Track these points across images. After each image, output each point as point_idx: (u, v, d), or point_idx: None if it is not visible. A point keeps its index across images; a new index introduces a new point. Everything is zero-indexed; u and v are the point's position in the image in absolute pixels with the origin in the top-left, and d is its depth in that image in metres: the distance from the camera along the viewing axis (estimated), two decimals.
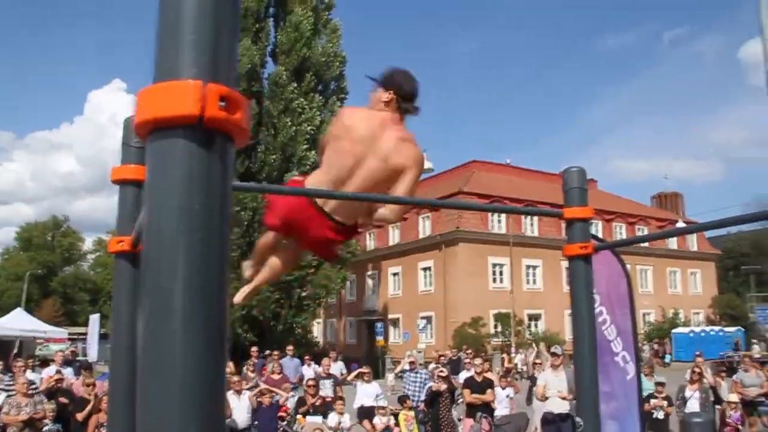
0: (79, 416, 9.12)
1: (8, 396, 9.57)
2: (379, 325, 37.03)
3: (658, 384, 11.62)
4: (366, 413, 11.67)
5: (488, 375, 11.59)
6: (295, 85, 28.75)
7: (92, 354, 27.37)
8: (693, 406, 10.93)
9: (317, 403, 11.04)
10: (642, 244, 45.29)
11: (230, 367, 13.92)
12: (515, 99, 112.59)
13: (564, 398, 9.45)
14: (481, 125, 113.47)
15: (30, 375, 11.04)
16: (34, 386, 10.02)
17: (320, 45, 29.91)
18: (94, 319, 29.89)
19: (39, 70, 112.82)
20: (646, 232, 46.64)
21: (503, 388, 11.25)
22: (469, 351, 19.66)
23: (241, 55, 28.17)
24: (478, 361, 11.30)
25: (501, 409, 10.79)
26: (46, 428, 9.29)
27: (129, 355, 2.25)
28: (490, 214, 39.35)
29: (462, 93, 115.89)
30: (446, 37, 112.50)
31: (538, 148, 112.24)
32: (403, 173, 3.02)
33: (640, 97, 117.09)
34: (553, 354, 10.57)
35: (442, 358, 14.95)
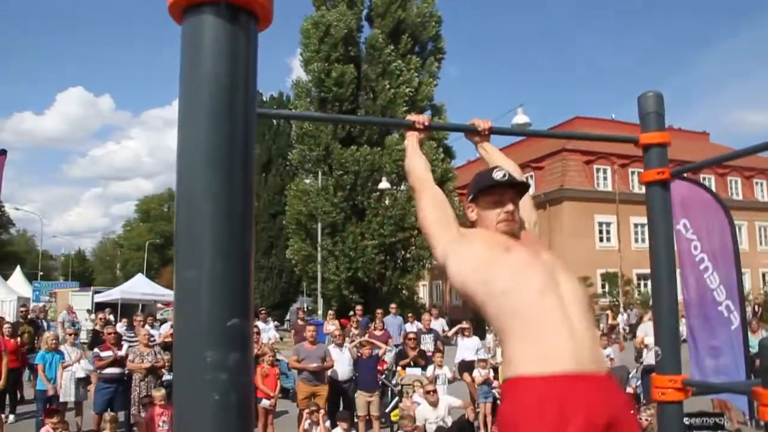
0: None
1: (131, 346, 10.28)
2: None
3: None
4: (467, 367, 11.80)
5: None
6: (392, 47, 28.71)
7: None
8: None
9: (417, 357, 11.23)
10: (760, 199, 43.00)
11: (335, 325, 14.34)
12: (620, 50, 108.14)
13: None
14: (585, 80, 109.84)
15: (150, 330, 11.78)
16: (152, 339, 10.74)
17: (415, 6, 29.68)
18: None
19: (150, 50, 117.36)
20: (764, 186, 44.21)
21: (604, 347, 11.09)
22: None
23: (337, 20, 28.38)
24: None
25: None
26: (165, 377, 9.92)
27: None
28: (594, 171, 38.30)
29: (563, 48, 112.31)
30: None
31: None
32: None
33: (758, 45, 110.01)
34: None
35: None
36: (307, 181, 30.47)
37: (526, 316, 2.12)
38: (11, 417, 11.32)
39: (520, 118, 15.48)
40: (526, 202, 2.72)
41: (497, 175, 2.49)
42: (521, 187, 2.57)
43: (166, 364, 9.85)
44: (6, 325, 12.01)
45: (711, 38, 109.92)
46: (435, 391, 9.33)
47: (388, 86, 28.20)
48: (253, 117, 1.06)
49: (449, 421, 9.05)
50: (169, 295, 33.17)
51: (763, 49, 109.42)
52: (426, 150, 28.54)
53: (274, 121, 46.28)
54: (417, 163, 2.82)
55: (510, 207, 2.45)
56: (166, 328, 13.32)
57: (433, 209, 2.56)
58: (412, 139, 2.96)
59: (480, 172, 2.64)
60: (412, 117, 2.91)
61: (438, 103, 30.35)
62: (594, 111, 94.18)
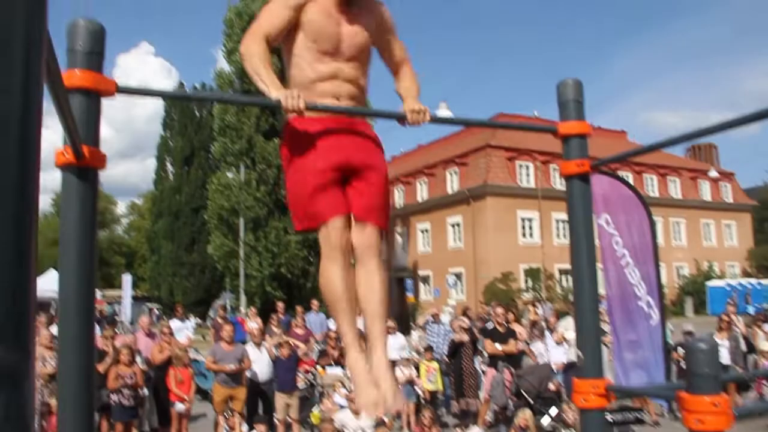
0: (99, 367, 9.16)
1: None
2: (409, 281, 37.00)
3: (686, 333, 11.38)
4: (394, 365, 11.62)
5: (513, 326, 11.43)
6: None
7: (126, 314, 27.84)
8: (722, 355, 10.69)
9: (339, 355, 10.98)
10: (674, 196, 44.56)
11: (258, 323, 13.95)
12: (541, 49, 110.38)
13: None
14: (508, 78, 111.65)
15: (54, 329, 11.13)
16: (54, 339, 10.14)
17: None
18: (127, 280, 30.34)
19: None
20: (678, 184, 45.76)
21: (527, 343, 11.11)
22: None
23: (261, 9, 27.79)
24: (499, 310, 11.13)
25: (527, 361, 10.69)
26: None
27: (78, 280, 2.09)
28: (517, 167, 38.81)
29: (486, 45, 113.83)
30: None
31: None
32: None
33: (670, 47, 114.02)
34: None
35: (468, 311, 14.79)
36: (230, 175, 29.81)
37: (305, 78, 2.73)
38: None
39: (443, 113, 15.41)
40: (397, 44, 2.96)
41: None
42: None
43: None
44: None
45: (627, 36, 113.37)
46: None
47: None
48: (39, 75, 0.78)
49: None
50: None
51: (676, 48, 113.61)
52: None
53: (197, 112, 45.29)
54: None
55: None
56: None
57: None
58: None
59: None
60: (283, 96, 2.44)
61: None
62: (517, 108, 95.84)
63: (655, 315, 3.55)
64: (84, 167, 2.01)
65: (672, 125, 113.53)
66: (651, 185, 43.79)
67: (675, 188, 45.68)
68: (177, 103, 46.33)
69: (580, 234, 3.01)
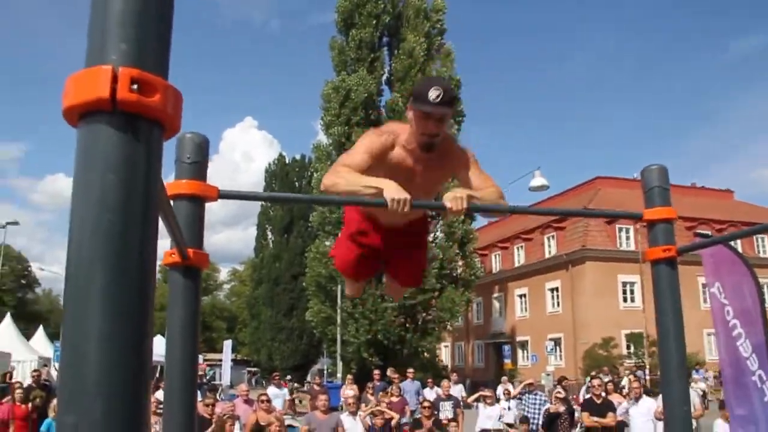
0: None
1: None
2: (506, 347, 36.37)
3: None
4: None
5: (612, 397, 11.11)
6: None
7: (225, 377, 28.52)
8: None
9: (432, 426, 10.92)
10: None
11: (354, 390, 14.06)
12: (641, 110, 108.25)
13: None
14: (607, 139, 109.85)
15: (159, 395, 11.56)
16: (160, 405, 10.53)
17: (435, 69, 30.04)
18: (227, 344, 31.17)
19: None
20: None
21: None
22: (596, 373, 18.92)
23: (357, 85, 28.75)
24: (596, 381, 10.85)
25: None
26: None
27: (182, 366, 2.29)
28: (617, 230, 37.94)
29: (583, 106, 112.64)
30: (561, 51, 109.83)
31: (668, 159, 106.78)
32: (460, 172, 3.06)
33: None
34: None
35: (565, 381, 14.45)
36: (327, 243, 30.43)
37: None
38: None
39: (538, 181, 15.40)
40: (475, 175, 3.03)
41: (431, 95, 2.74)
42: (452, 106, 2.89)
43: None
44: (18, 390, 11.85)
45: (733, 94, 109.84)
46: None
47: None
48: (154, 225, 0.97)
49: None
50: None
51: None
52: None
53: (296, 182, 46.77)
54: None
55: (432, 129, 2.83)
56: None
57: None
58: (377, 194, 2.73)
59: (421, 81, 3.24)
60: (390, 196, 2.53)
61: None
62: (616, 170, 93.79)
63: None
64: (188, 267, 2.22)
65: None
66: (762, 246, 41.72)
67: None
68: (278, 173, 48.06)
69: (668, 320, 3.01)
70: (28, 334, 34.88)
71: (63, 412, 0.88)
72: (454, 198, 2.70)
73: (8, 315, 29.62)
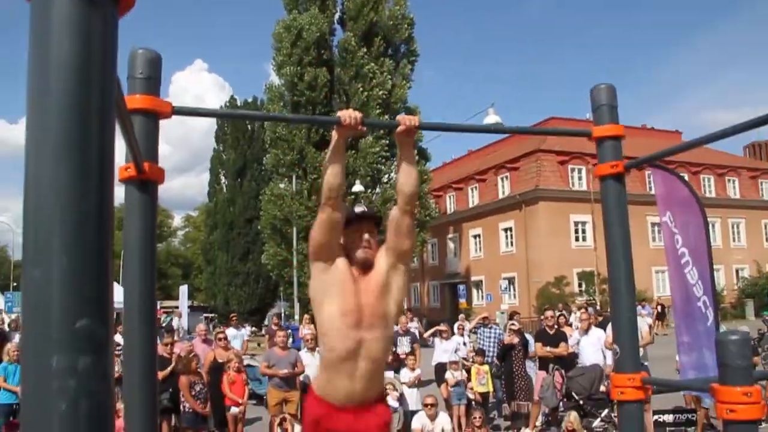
0: (159, 374, 9.48)
1: None
2: (461, 287, 37.00)
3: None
4: (444, 370, 11.72)
5: (564, 329, 11.44)
6: (365, 50, 28.64)
7: (183, 323, 28.46)
8: None
9: (391, 360, 11.13)
10: (733, 196, 43.45)
11: (311, 329, 14.20)
12: (593, 50, 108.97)
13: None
14: (561, 81, 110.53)
15: (118, 338, 11.53)
16: (119, 347, 10.51)
17: (387, 8, 29.64)
18: (183, 290, 31.07)
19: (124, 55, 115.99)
20: (737, 184, 44.68)
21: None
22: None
23: (309, 24, 28.26)
24: (549, 313, 11.16)
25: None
26: None
27: (141, 286, 2.28)
28: (569, 171, 38.49)
29: (535, 49, 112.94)
30: None
31: (620, 101, 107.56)
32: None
33: (727, 45, 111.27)
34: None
35: (517, 315, 14.78)
36: (282, 185, 30.28)
37: (332, 354, 3.04)
38: None
39: (491, 118, 15.45)
40: (402, 227, 3.20)
41: (357, 209, 3.19)
42: (377, 219, 3.31)
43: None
44: None
45: (682, 36, 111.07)
46: (435, 405, 9.26)
47: (361, 89, 28.14)
48: (110, 105, 0.96)
49: None
50: None
51: (733, 46, 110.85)
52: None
53: (249, 126, 46.10)
54: (331, 169, 2.97)
55: (366, 236, 3.16)
56: None
57: (319, 231, 3.04)
58: (336, 137, 2.95)
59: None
60: (342, 113, 2.81)
61: (412, 106, 30.26)
62: (570, 112, 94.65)
63: (711, 315, 3.57)
64: (145, 181, 2.22)
65: (729, 122, 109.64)
66: (708, 186, 42.84)
67: (734, 188, 44.60)
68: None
69: (616, 235, 3.11)
70: None
71: (29, 265, 0.89)
72: (405, 116, 2.92)
73: None
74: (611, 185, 3.11)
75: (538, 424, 10.75)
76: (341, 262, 3.08)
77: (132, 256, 2.25)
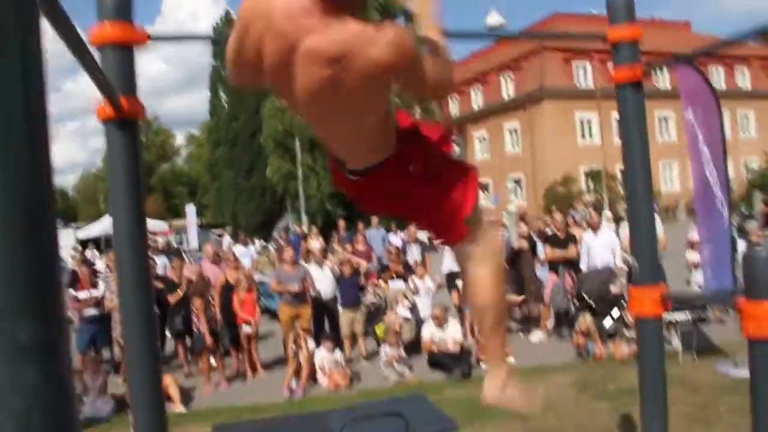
0: (170, 298, 9.51)
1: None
2: None
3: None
4: (455, 278, 11.71)
5: (573, 230, 11.35)
6: None
7: (192, 242, 28.64)
8: None
9: (401, 269, 11.12)
10: (743, 87, 42.64)
11: (320, 241, 14.18)
12: None
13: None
14: None
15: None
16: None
17: None
18: (191, 209, 31.08)
19: None
20: (747, 74, 43.74)
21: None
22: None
23: None
24: (558, 216, 11.06)
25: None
26: None
27: (129, 229, 2.14)
28: (574, 68, 37.70)
29: None
30: None
31: None
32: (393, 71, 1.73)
33: None
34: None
35: (526, 216, 14.70)
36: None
37: None
38: None
39: (494, 19, 14.91)
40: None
41: None
42: None
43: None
44: None
45: None
46: (444, 312, 9.30)
47: None
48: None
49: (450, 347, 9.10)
50: (154, 224, 32.76)
51: None
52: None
53: None
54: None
55: None
56: None
57: None
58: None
59: None
60: None
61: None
62: (573, 6, 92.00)
63: (726, 214, 3.49)
64: (124, 119, 2.03)
65: (745, 10, 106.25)
66: (717, 76, 41.92)
67: (743, 78, 43.67)
68: (226, 31, 46.14)
69: (634, 144, 2.93)
70: None
71: None
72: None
73: None
74: (629, 92, 2.90)
75: (548, 325, 10.82)
76: None
77: (118, 198, 2.09)
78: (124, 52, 2.06)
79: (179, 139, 78.43)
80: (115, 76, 1.98)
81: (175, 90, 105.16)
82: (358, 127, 1.87)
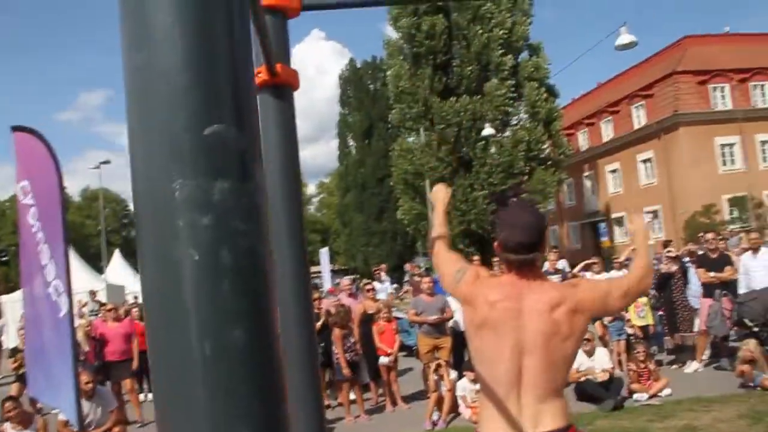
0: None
1: None
2: (602, 225, 35.71)
3: None
4: None
5: (726, 252, 10.62)
6: None
7: (326, 284, 29.10)
8: None
9: None
10: None
11: None
12: None
13: None
14: None
15: None
16: None
17: None
18: (324, 252, 31.65)
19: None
20: None
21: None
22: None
23: None
24: (710, 235, 10.33)
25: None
26: None
27: (287, 203, 2.09)
28: (710, 90, 35.89)
29: None
30: None
31: (763, 7, 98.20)
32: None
33: None
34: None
35: (670, 243, 13.95)
36: (410, 139, 30.19)
37: (489, 390, 2.47)
38: (149, 395, 11.73)
39: (625, 38, 14.40)
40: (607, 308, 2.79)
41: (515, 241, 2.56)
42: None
43: None
44: (134, 309, 12.49)
45: None
46: (590, 340, 8.88)
47: (480, 31, 27.37)
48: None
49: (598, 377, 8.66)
50: None
51: None
52: (527, 90, 27.66)
53: (371, 86, 46.27)
54: (437, 238, 2.94)
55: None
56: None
57: (444, 265, 2.83)
58: (439, 206, 3.05)
59: (510, 214, 2.68)
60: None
61: (534, 42, 29.20)
62: (705, 27, 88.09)
63: None
64: (279, 85, 2.00)
65: None
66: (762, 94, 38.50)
67: None
68: (352, 79, 47.65)
69: None
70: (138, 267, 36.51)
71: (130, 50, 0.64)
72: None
73: (117, 252, 31.09)
74: None
75: (705, 356, 10.09)
76: None
77: (274, 164, 2.01)
78: (278, 19, 2.04)
79: (311, 188, 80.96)
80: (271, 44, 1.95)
81: (305, 141, 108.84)
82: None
